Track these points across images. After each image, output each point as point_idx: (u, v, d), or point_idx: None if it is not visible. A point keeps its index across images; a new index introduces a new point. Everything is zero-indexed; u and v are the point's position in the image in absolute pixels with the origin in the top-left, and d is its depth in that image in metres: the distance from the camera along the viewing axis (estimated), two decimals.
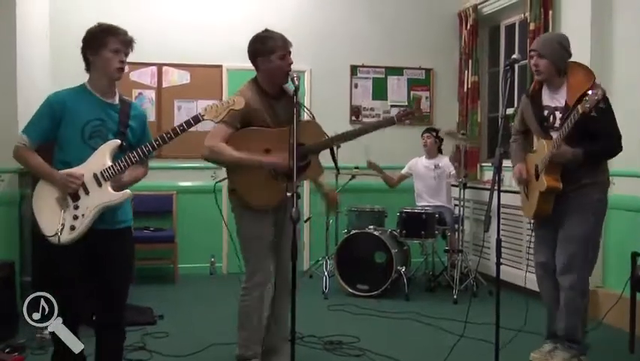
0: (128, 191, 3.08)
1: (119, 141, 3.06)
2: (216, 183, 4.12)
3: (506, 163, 6.44)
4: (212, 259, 7.02)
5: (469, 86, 7.21)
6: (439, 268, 6.47)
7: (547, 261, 4.07)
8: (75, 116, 3.02)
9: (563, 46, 3.93)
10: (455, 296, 5.74)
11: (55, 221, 2.96)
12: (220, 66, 7.02)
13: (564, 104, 3.88)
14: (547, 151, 3.84)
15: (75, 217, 2.98)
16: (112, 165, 3.01)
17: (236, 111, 3.24)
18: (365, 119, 7.40)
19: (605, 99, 3.71)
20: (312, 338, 4.58)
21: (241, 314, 3.80)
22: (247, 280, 3.77)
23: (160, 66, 6.85)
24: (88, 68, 3.11)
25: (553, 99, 3.98)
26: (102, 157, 3.02)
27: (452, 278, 6.01)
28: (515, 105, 6.76)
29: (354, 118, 7.39)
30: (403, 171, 6.76)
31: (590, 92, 3.56)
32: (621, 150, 3.91)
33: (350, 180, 6.56)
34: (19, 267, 5.03)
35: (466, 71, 7.26)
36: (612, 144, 3.89)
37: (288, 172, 3.35)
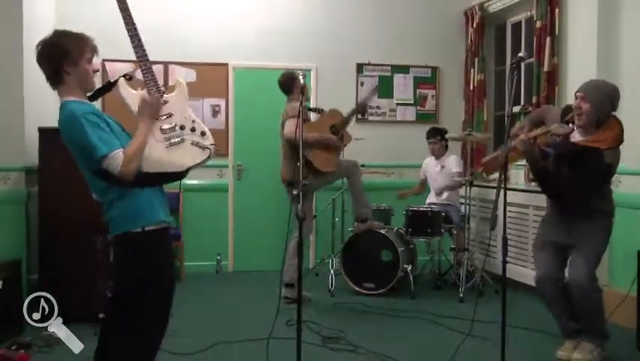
0: (179, 79, 2.85)
1: (123, 78, 2.79)
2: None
3: None
4: (218, 258, 7.01)
5: (475, 84, 7.20)
6: (445, 266, 6.46)
7: (547, 274, 4.10)
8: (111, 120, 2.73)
9: (610, 99, 3.89)
10: (461, 295, 5.73)
11: (186, 148, 2.72)
12: (226, 64, 7.02)
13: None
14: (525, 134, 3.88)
15: (193, 129, 2.75)
16: (148, 90, 2.74)
17: None
18: (371, 118, 7.40)
19: (608, 165, 3.82)
20: (317, 335, 4.59)
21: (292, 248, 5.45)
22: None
23: (166, 64, 6.85)
24: (60, 82, 2.68)
25: (579, 138, 3.98)
26: (133, 95, 2.73)
27: (458, 277, 6.00)
28: (522, 103, 6.76)
29: (359, 116, 7.37)
30: (422, 177, 6.85)
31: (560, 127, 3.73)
32: (576, 203, 3.96)
33: None
34: (26, 265, 5.05)
35: (472, 69, 7.25)
36: (575, 194, 3.91)
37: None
